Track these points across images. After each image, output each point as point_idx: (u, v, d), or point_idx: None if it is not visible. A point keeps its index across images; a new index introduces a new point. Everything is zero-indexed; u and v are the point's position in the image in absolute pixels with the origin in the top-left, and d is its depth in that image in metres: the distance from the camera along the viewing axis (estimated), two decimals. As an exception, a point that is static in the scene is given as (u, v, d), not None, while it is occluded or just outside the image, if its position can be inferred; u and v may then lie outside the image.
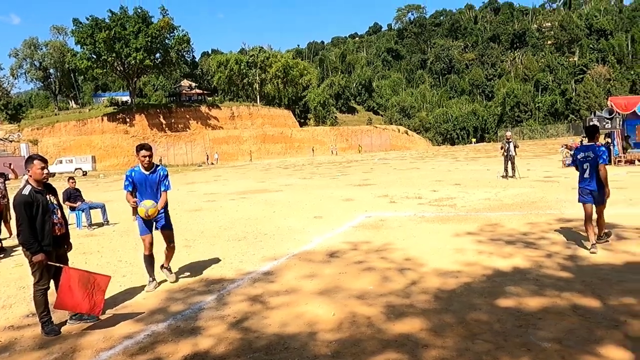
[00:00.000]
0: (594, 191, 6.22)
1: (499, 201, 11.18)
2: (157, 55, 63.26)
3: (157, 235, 5.68)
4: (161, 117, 64.51)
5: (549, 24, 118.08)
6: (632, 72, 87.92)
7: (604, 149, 6.27)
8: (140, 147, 5.51)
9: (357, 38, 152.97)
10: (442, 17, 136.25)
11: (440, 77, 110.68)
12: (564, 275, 5.23)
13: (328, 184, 18.95)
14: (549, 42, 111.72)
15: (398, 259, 6.31)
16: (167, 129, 63.20)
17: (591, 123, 20.28)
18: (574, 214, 8.56)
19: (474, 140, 78.94)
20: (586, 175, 6.29)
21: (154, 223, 5.61)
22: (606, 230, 6.64)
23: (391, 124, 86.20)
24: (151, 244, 5.56)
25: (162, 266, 5.85)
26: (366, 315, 4.35)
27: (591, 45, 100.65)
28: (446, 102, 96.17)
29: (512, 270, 5.52)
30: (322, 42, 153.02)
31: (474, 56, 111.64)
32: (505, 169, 16.49)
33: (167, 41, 63.42)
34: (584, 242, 6.54)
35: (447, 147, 67.85)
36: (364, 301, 4.75)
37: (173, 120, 64.84)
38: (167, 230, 5.73)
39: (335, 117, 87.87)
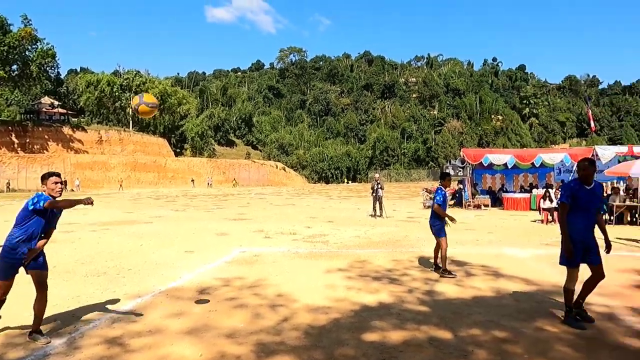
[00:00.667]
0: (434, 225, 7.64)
1: (368, 239, 11.82)
2: (14, 67, 56.84)
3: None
4: (13, 135, 57.38)
5: (414, 80, 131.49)
6: (479, 128, 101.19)
7: (440, 191, 7.63)
8: (49, 175, 4.64)
9: (239, 73, 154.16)
10: (321, 62, 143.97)
11: (318, 118, 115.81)
12: (423, 310, 5.65)
13: (202, 216, 18.37)
14: (414, 95, 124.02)
15: (271, 295, 6.28)
16: (19, 149, 56.30)
17: (446, 170, 22.71)
18: (432, 252, 9.36)
19: (347, 180, 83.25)
20: None
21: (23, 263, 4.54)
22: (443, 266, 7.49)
23: (269, 159, 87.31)
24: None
25: (30, 332, 4.64)
26: (236, 355, 4.21)
27: (448, 102, 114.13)
28: (322, 142, 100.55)
29: (377, 305, 5.81)
30: (204, 73, 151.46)
31: (349, 101, 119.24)
32: (374, 209, 17.59)
33: (27, 53, 57.39)
34: (441, 279, 7.19)
35: (322, 185, 70.48)
36: (234, 340, 4.60)
37: (28, 140, 58.04)
38: (42, 271, 4.66)
39: (214, 149, 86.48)
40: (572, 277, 5.09)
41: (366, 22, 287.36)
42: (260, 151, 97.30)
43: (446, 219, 7.50)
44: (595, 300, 5.86)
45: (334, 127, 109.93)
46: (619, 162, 19.88)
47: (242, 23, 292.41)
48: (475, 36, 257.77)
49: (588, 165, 5.07)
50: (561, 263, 5.17)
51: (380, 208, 17.55)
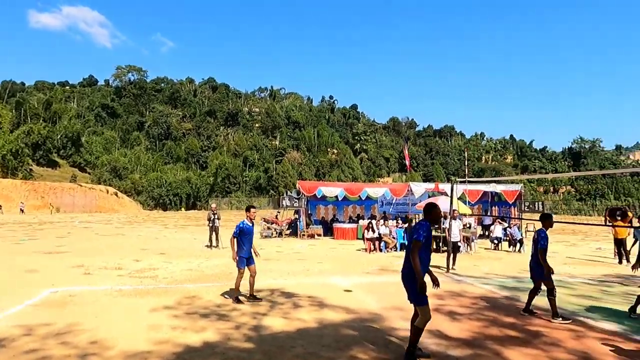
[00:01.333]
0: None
1: (201, 272, 11.53)
2: None
3: None
4: None
5: (258, 110, 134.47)
6: (317, 160, 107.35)
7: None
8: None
9: (67, 87, 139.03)
10: (163, 84, 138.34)
11: (157, 142, 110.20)
12: (248, 346, 5.71)
13: (9, 250, 15.86)
14: (257, 124, 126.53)
15: (83, 343, 5.69)
16: None
17: (283, 201, 23.47)
18: (266, 284, 9.54)
19: (184, 208, 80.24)
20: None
21: None
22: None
23: (99, 183, 79.64)
24: None
25: None
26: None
27: (289, 134, 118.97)
28: (161, 167, 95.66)
29: (202, 345, 5.69)
30: (23, 84, 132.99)
31: (191, 126, 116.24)
32: (210, 239, 17.26)
33: None
34: (268, 313, 7.36)
35: (158, 212, 66.57)
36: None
37: None
38: None
39: (31, 169, 75.83)
40: (426, 314, 5.11)
41: (212, 49, 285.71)
42: (89, 174, 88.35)
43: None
44: (401, 325, 6.60)
45: (174, 152, 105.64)
46: (429, 197, 22.96)
47: (72, 33, 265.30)
48: (314, 74, 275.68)
49: (440, 210, 5.53)
50: (418, 303, 5.12)
51: (217, 239, 17.31)
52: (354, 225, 22.76)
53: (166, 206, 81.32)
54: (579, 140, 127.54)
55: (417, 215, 24.46)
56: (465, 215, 18.90)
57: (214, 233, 17.28)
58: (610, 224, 14.55)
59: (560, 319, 7.04)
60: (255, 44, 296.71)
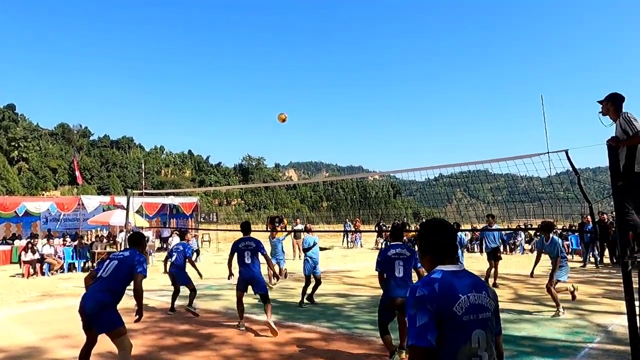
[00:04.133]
0: None
1: None
2: None
3: None
4: None
5: None
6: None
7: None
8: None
9: None
10: None
11: None
12: None
13: None
14: None
15: None
16: None
17: None
18: None
19: None
20: None
21: None
22: None
23: None
24: None
25: None
26: None
27: None
28: None
29: None
30: None
31: None
32: None
33: None
34: None
35: None
36: None
37: None
38: None
39: None
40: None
41: None
42: None
43: None
44: (66, 354, 5.86)
45: None
46: (104, 210, 21.39)
47: None
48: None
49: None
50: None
51: None
52: (7, 247, 19.02)
53: None
54: (248, 157, 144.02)
55: (89, 232, 22.43)
56: (142, 228, 18.48)
57: None
58: (270, 230, 16.93)
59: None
60: None
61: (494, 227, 11.11)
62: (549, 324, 7.21)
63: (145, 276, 4.73)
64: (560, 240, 8.24)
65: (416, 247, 2.33)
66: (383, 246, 12.94)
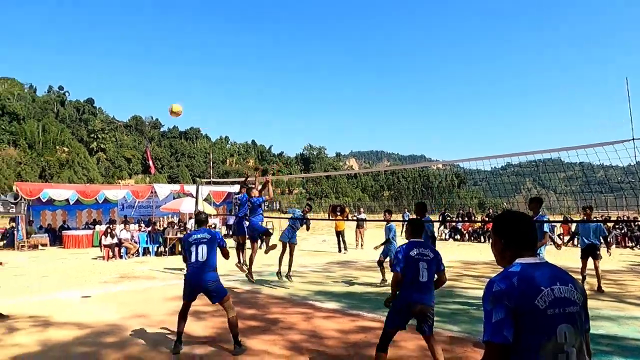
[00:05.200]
0: None
1: None
2: None
3: None
4: None
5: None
6: (42, 159, 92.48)
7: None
8: None
9: None
10: None
11: None
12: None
13: None
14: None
15: None
16: None
17: None
18: None
19: None
20: None
21: None
22: None
23: None
24: None
25: None
26: None
27: (4, 127, 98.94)
28: None
29: None
30: None
31: None
32: None
33: None
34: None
35: None
36: None
37: None
38: None
39: None
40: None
41: None
42: None
43: None
44: (142, 333, 6.23)
45: None
46: (174, 198, 22.47)
47: None
48: (39, 59, 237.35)
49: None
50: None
51: None
52: (89, 232, 20.48)
53: None
54: (309, 147, 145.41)
55: (161, 218, 23.65)
56: (210, 215, 19.21)
57: None
58: (332, 218, 17.01)
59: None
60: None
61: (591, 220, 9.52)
62: (630, 322, 6.74)
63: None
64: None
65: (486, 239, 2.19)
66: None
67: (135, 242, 16.78)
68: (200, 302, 8.21)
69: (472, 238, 22.64)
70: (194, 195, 12.99)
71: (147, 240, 17.24)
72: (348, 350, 5.45)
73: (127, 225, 17.36)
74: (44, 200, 20.33)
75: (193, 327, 6.60)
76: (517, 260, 1.88)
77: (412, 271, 4.45)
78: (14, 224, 20.09)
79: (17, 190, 19.61)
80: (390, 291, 4.72)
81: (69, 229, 21.30)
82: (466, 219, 24.70)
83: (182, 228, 18.33)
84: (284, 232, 10.35)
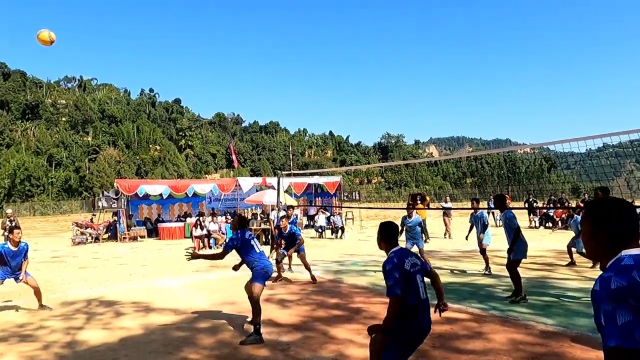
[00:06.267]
0: None
1: (-5, 290, 9.74)
2: None
3: None
4: None
5: (64, 102, 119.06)
6: (138, 157, 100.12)
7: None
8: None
9: None
10: None
11: None
12: (59, 366, 5.01)
13: None
14: (64, 119, 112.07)
15: None
16: None
17: (99, 203, 21.31)
18: (78, 295, 8.53)
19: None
20: None
21: None
22: None
23: None
24: None
25: None
26: None
27: (104, 129, 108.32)
28: None
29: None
30: None
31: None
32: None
33: None
34: (84, 326, 6.58)
35: None
36: None
37: None
38: None
39: None
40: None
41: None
42: None
43: None
44: (231, 319, 6.54)
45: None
46: (257, 191, 23.29)
47: None
48: (130, 64, 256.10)
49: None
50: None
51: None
52: (181, 224, 21.85)
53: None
54: (387, 135, 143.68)
55: (245, 210, 24.62)
56: (292, 207, 19.68)
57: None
58: (413, 207, 16.68)
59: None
60: (59, 28, 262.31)
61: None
62: None
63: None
64: None
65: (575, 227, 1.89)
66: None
67: (223, 233, 17.63)
68: (285, 291, 8.47)
69: (567, 226, 21.14)
70: (276, 187, 13.36)
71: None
72: (433, 341, 5.34)
73: (215, 218, 18.30)
74: (140, 196, 21.99)
75: (278, 314, 6.83)
76: (623, 252, 1.63)
77: (413, 289, 3.59)
78: (116, 218, 21.96)
79: (117, 187, 21.41)
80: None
81: (163, 221, 22.87)
82: (558, 205, 23.12)
83: (265, 219, 18.99)
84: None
